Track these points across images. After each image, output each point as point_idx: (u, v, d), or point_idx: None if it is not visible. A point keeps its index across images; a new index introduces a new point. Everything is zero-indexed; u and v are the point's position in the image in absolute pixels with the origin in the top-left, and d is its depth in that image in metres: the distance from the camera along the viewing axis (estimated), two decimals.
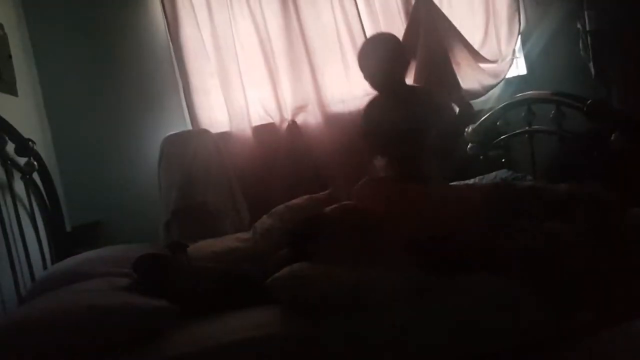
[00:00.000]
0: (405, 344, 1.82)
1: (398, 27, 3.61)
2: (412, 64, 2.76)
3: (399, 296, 1.87)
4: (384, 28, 3.60)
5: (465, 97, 3.49)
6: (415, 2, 3.49)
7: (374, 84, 2.62)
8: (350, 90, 3.53)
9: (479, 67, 3.62)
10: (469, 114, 3.40)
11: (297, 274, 1.87)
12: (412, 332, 1.83)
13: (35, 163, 2.76)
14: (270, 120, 3.53)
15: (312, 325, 1.81)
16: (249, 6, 3.44)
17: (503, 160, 3.21)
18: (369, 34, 3.52)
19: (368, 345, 1.81)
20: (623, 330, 2.12)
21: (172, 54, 3.47)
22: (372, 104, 2.69)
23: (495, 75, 3.66)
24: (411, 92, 2.70)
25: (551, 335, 1.94)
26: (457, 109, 3.45)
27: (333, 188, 2.84)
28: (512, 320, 1.90)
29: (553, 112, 2.72)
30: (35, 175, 2.82)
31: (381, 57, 2.56)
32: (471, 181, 2.88)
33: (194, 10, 3.40)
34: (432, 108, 2.59)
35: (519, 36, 3.75)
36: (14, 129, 2.61)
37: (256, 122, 3.53)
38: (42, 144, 3.12)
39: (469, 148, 3.25)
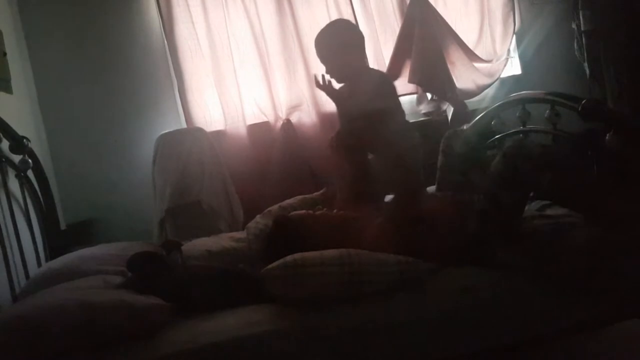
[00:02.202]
0: (400, 335, 1.82)
1: (393, 27, 3.63)
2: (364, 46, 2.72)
3: (391, 287, 1.88)
4: (378, 27, 3.62)
5: (460, 97, 3.50)
6: (410, 2, 3.50)
7: (331, 73, 2.61)
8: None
9: (474, 66, 3.63)
10: (463, 114, 3.41)
11: (289, 265, 1.87)
12: (406, 325, 1.83)
13: (29, 161, 2.76)
14: (265, 119, 3.54)
15: (306, 320, 1.81)
16: (243, 5, 3.45)
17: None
18: (363, 32, 3.51)
19: (362, 338, 1.82)
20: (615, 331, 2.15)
21: (167, 52, 3.48)
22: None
23: (490, 74, 3.67)
24: (367, 75, 2.68)
25: (547, 333, 1.95)
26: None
27: (327, 188, 2.84)
28: (508, 315, 1.90)
29: (547, 111, 2.72)
30: (30, 173, 2.82)
31: (334, 45, 2.56)
32: None
33: (188, 9, 3.41)
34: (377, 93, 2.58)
35: (514, 36, 3.78)
36: (9, 126, 2.60)
37: (251, 120, 3.54)
38: (37, 142, 3.12)
39: None
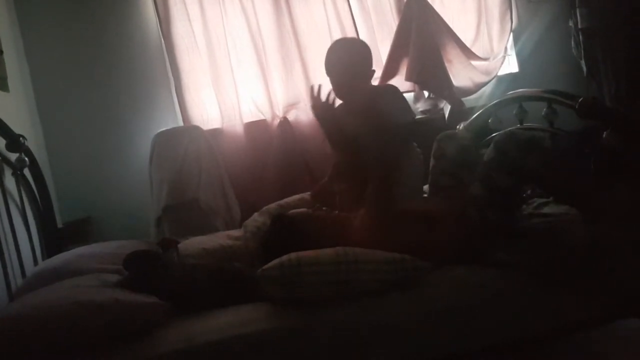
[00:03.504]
0: (396, 334, 1.82)
1: (390, 25, 3.62)
2: (373, 71, 2.67)
3: (388, 285, 1.88)
4: (375, 25, 3.61)
5: (457, 95, 3.50)
6: (407, 0, 3.49)
7: (335, 90, 2.57)
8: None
9: (471, 64, 3.63)
10: (460, 112, 3.41)
11: (285, 264, 1.87)
12: (403, 323, 1.83)
13: (26, 159, 2.75)
14: (262, 117, 3.53)
15: (303, 318, 1.81)
16: (241, 3, 3.45)
17: None
18: (360, 31, 3.53)
19: (359, 337, 1.82)
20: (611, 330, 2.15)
21: (164, 50, 3.47)
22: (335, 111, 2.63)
23: (487, 72, 3.67)
24: (372, 94, 2.65)
25: (545, 332, 1.95)
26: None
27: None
28: (506, 314, 1.90)
29: (545, 109, 2.72)
30: (27, 171, 2.81)
31: (341, 64, 2.54)
32: None
33: (185, 7, 3.41)
34: (390, 106, 2.56)
35: (511, 34, 3.78)
36: (5, 124, 2.59)
37: (248, 118, 3.53)
38: (34, 140, 3.11)
39: None
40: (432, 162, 2.63)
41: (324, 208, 2.38)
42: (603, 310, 1.94)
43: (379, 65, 3.55)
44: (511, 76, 3.82)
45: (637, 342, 2.18)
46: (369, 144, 2.28)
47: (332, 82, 2.56)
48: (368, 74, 2.60)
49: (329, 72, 2.58)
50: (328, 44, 3.47)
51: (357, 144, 2.37)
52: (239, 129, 3.48)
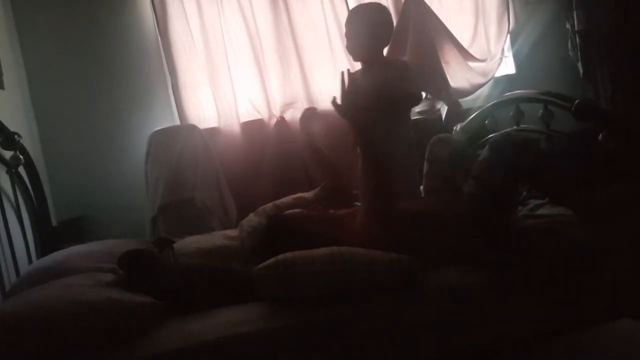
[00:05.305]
0: (391, 334, 1.82)
1: None
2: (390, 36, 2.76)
3: (383, 286, 1.88)
4: None
5: (454, 96, 3.50)
6: (405, 0, 3.49)
7: (352, 53, 2.62)
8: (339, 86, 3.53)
9: (468, 65, 3.63)
10: (457, 113, 3.41)
11: (280, 264, 1.86)
12: (397, 323, 1.83)
13: (21, 157, 2.74)
14: (259, 117, 3.53)
15: (298, 318, 1.81)
16: (238, 2, 3.44)
17: None
18: None
19: (354, 337, 1.82)
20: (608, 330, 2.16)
21: (161, 48, 3.46)
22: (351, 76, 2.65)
23: (484, 74, 3.67)
24: (387, 65, 2.69)
25: (540, 332, 1.95)
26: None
27: (322, 186, 2.83)
28: (500, 314, 1.90)
29: (541, 111, 2.73)
30: (21, 169, 2.80)
31: (362, 27, 2.57)
32: None
33: (183, 6, 3.40)
34: (400, 80, 2.61)
35: (508, 35, 3.78)
36: (0, 122, 2.59)
37: (244, 118, 3.53)
38: (29, 138, 3.10)
39: None
40: (425, 166, 2.64)
41: (320, 207, 2.37)
42: (600, 311, 1.95)
43: None
44: (508, 78, 3.83)
45: (635, 342, 2.19)
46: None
47: (353, 42, 2.60)
48: (388, 37, 2.65)
49: (350, 31, 2.62)
50: (326, 44, 3.54)
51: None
52: (235, 128, 3.48)
